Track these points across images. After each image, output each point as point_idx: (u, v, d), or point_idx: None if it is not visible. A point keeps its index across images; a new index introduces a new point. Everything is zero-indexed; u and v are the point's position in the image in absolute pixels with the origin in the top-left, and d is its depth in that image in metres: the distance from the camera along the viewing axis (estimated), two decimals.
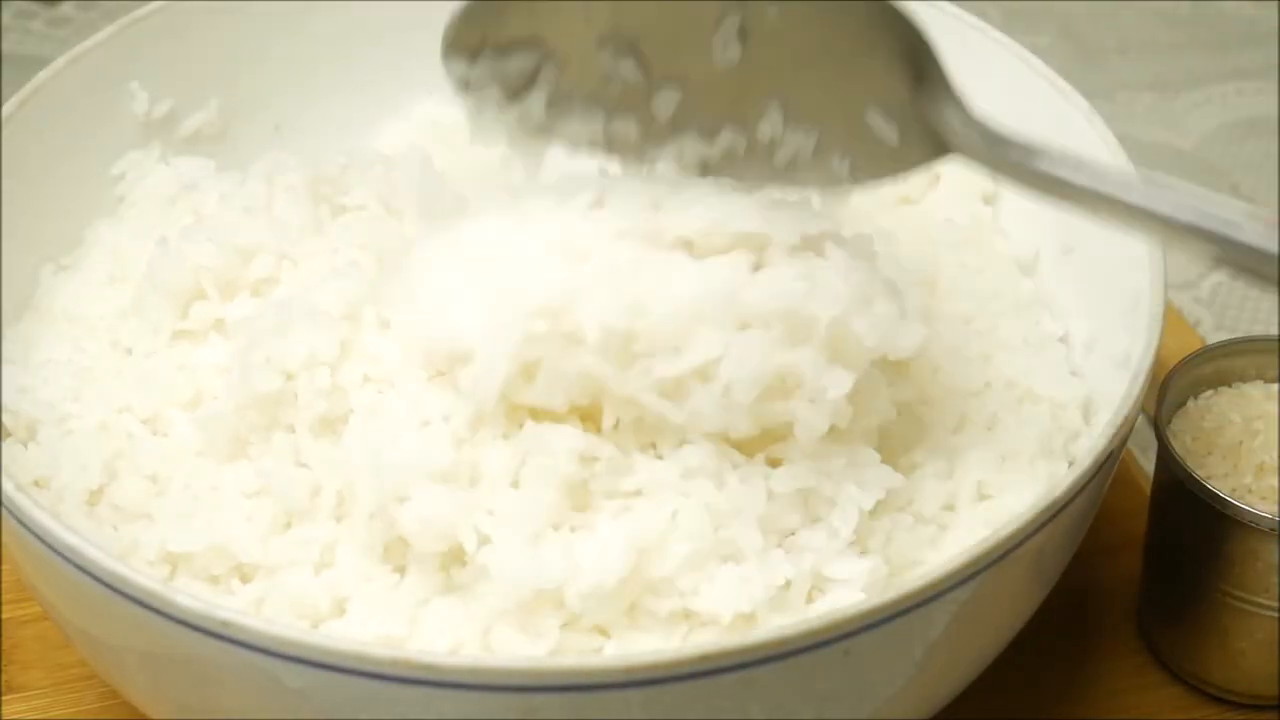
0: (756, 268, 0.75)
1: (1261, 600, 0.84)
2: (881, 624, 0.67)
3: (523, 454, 0.74)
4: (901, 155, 0.74)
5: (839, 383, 0.74)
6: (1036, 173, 0.71)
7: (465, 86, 0.79)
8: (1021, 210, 0.94)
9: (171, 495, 0.78)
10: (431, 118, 1.00)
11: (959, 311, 0.89)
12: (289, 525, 0.76)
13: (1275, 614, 0.84)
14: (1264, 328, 1.15)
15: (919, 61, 0.72)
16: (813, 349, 0.73)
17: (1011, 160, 0.72)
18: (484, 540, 0.73)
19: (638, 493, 0.74)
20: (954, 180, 0.96)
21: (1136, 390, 0.75)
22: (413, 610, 0.74)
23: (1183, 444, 0.86)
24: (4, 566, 0.90)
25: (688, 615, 0.73)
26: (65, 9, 1.37)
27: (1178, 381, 0.87)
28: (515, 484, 0.74)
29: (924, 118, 0.73)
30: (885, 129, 0.74)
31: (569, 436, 0.74)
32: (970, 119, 0.73)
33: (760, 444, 0.75)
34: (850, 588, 0.73)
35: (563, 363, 0.73)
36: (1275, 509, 0.82)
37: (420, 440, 0.74)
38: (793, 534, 0.75)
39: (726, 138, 0.77)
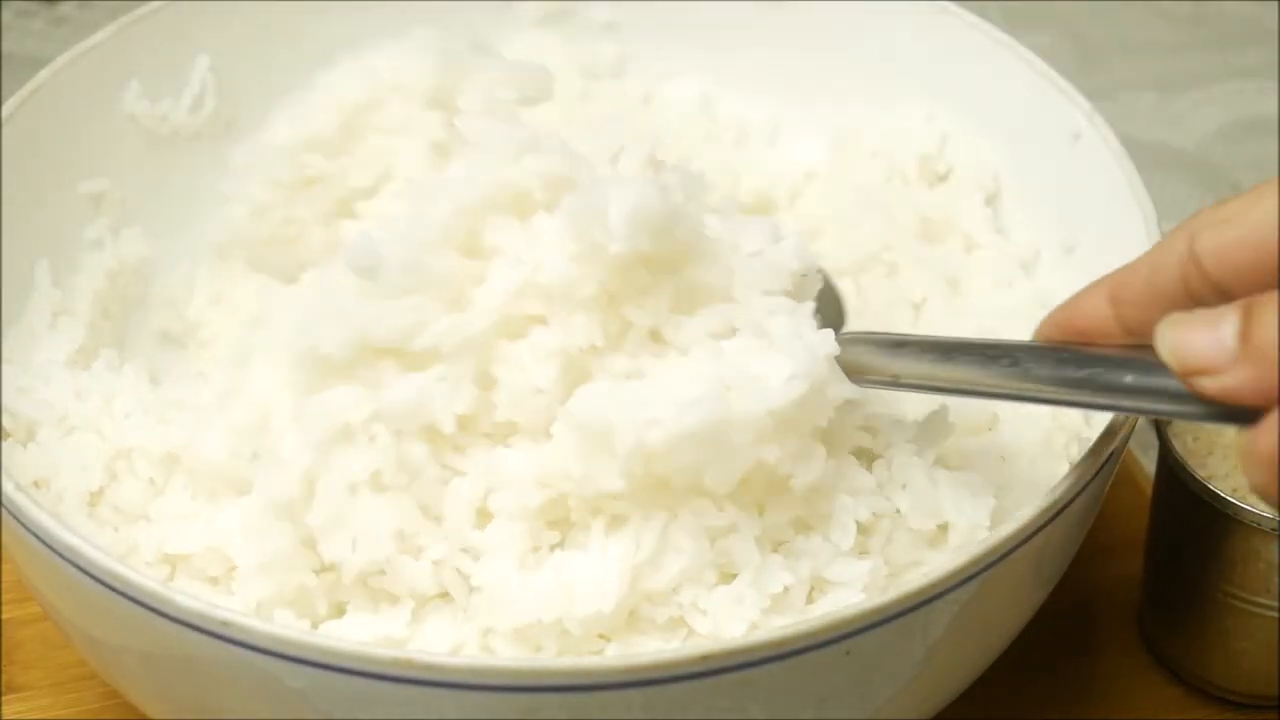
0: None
1: (1263, 600, 0.84)
2: (882, 624, 0.67)
3: (483, 489, 0.73)
4: None
5: (811, 469, 0.73)
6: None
7: None
8: (1023, 210, 0.94)
9: (171, 496, 0.78)
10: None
11: (958, 312, 0.89)
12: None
13: (1276, 614, 0.84)
14: None
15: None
16: (795, 443, 0.72)
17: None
18: (466, 579, 0.73)
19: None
20: (955, 180, 0.96)
21: None
22: (413, 611, 0.74)
23: (1184, 444, 0.86)
24: (4, 566, 0.90)
25: (687, 621, 0.73)
26: (65, 9, 1.36)
27: None
28: (482, 522, 0.73)
29: None
30: None
31: (524, 462, 0.72)
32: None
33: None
34: (850, 589, 0.73)
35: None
36: (1276, 509, 0.82)
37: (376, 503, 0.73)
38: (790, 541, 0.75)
39: None
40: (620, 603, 0.71)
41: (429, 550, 0.73)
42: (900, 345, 0.74)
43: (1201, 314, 0.63)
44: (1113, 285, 0.69)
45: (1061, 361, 0.69)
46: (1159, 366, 0.64)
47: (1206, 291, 0.65)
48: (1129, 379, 0.66)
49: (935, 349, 0.73)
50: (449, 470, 0.73)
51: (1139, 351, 0.66)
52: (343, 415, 0.72)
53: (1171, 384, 0.63)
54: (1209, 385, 0.62)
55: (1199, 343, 0.62)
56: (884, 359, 0.74)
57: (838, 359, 0.73)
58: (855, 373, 0.74)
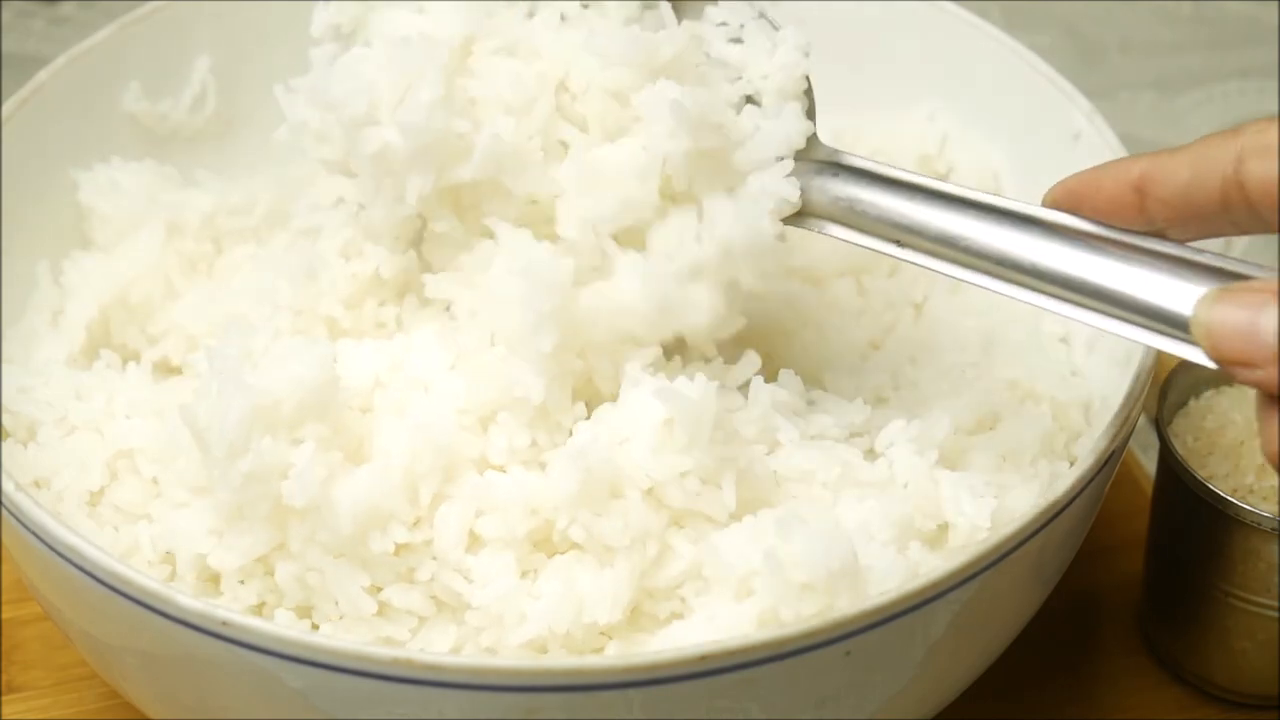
0: None
1: (1263, 600, 0.84)
2: (882, 624, 0.67)
3: (472, 513, 0.73)
4: None
5: None
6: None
7: None
8: None
9: (171, 495, 0.78)
10: None
11: (959, 311, 0.89)
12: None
13: (1276, 614, 0.84)
14: None
15: None
16: None
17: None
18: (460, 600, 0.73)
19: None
20: (955, 180, 0.96)
21: (1138, 390, 0.75)
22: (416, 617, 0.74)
23: (1184, 444, 0.86)
24: (4, 566, 0.90)
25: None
26: (65, 9, 1.36)
27: (1179, 381, 0.87)
28: (473, 546, 0.73)
29: None
30: None
31: (512, 488, 0.73)
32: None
33: None
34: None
35: None
36: (1276, 509, 0.82)
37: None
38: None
39: None
40: (627, 607, 0.72)
41: (420, 571, 0.73)
42: (909, 189, 0.72)
43: (1239, 294, 0.62)
44: (1145, 177, 0.67)
45: (1079, 261, 0.68)
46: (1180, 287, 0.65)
47: (1243, 215, 0.64)
48: (1153, 300, 0.65)
49: (949, 203, 0.71)
50: (438, 497, 0.73)
51: (1158, 257, 0.66)
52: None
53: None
54: (1245, 376, 0.61)
55: (1237, 334, 0.61)
56: (889, 201, 0.73)
57: (827, 198, 0.74)
58: (854, 218, 0.73)
